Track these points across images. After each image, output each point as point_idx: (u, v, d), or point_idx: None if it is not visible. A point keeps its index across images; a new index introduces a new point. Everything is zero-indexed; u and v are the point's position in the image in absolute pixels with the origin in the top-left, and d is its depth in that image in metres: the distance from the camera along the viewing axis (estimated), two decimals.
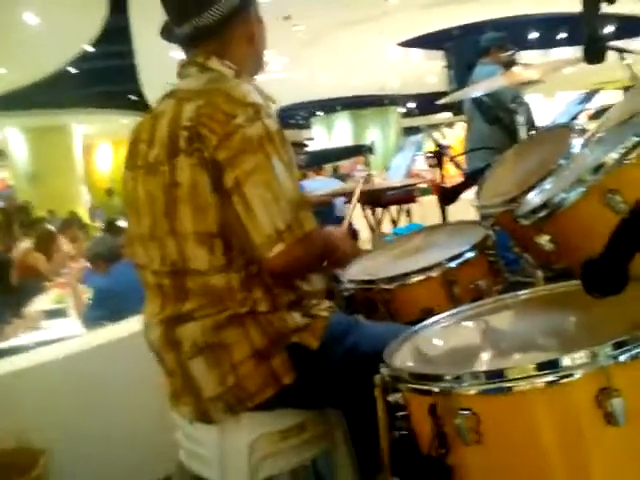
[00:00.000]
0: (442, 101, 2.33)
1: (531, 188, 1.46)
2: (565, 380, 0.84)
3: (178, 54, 1.45)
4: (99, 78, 12.46)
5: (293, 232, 1.21)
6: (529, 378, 0.85)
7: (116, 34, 9.76)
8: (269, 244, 1.20)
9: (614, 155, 1.18)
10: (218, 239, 1.25)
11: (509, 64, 2.53)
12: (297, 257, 1.23)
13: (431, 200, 5.68)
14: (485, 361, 1.08)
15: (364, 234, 4.18)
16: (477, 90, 2.67)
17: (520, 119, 2.08)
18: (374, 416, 1.11)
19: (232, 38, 1.40)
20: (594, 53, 1.36)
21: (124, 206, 1.47)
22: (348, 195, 3.70)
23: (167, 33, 1.44)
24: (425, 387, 0.93)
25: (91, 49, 10.88)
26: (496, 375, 0.87)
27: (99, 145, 17.54)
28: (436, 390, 0.91)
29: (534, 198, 1.39)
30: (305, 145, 4.08)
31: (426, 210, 4.96)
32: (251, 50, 1.44)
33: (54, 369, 2.17)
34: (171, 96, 1.36)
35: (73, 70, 11.82)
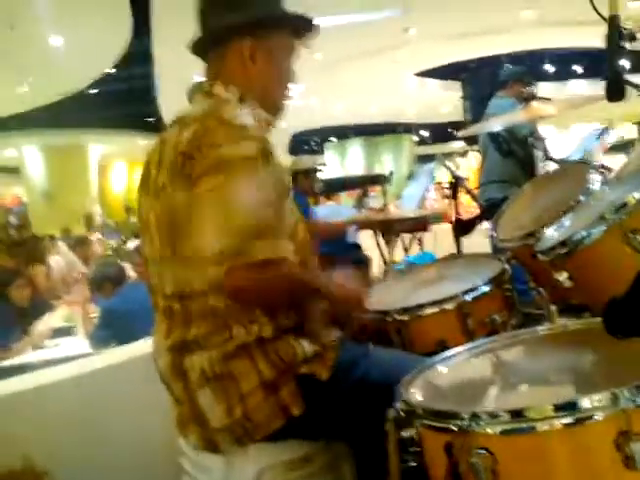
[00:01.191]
0: (460, 134, 2.33)
1: (550, 223, 1.46)
2: (584, 422, 0.82)
3: (195, 77, 1.47)
4: (118, 100, 12.70)
5: (235, 257, 1.18)
6: (548, 419, 0.83)
7: (137, 57, 9.96)
8: (206, 267, 1.20)
9: (637, 195, 1.18)
10: (218, 262, 1.22)
11: (529, 98, 2.54)
12: (236, 283, 1.20)
13: (443, 228, 5.68)
14: (499, 397, 1.06)
15: (376, 261, 4.17)
16: (495, 124, 2.68)
17: (538, 153, 2.08)
18: (382, 449, 1.09)
19: (226, 56, 1.40)
20: (616, 90, 1.36)
21: (139, 228, 1.48)
22: (360, 223, 3.71)
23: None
24: (442, 425, 0.91)
25: (111, 71, 11.10)
26: (515, 415, 0.85)
27: (114, 165, 17.74)
28: (454, 428, 0.89)
29: (553, 234, 1.38)
30: (319, 171, 4.08)
31: (438, 238, 4.96)
32: (254, 72, 1.40)
33: (60, 390, 2.16)
34: (177, 122, 1.37)
35: (92, 91, 12.04)
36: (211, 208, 1.20)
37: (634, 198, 1.15)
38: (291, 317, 1.29)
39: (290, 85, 1.51)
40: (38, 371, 2.46)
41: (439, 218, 6.63)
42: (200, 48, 1.43)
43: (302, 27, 1.47)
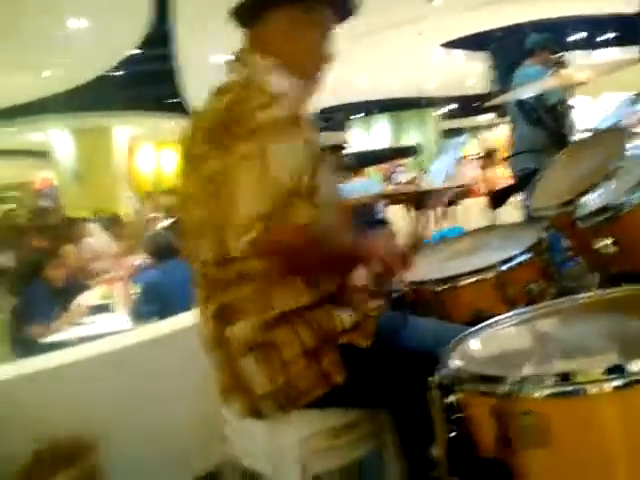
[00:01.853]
0: (488, 104, 2.30)
1: (588, 190, 1.44)
2: (634, 385, 0.83)
3: (217, 58, 1.47)
4: (141, 81, 12.72)
5: (269, 221, 1.17)
6: (597, 382, 0.84)
7: (159, 38, 9.96)
8: (240, 232, 1.18)
9: None
10: (260, 227, 1.21)
11: (559, 65, 2.48)
12: (268, 249, 1.19)
13: (472, 202, 5.62)
14: (542, 363, 1.06)
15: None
16: (525, 92, 2.63)
17: (569, 121, 2.04)
18: (424, 415, 1.11)
19: (270, 28, 1.41)
20: None
21: (178, 201, 1.50)
22: (388, 197, 3.70)
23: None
24: (490, 389, 0.92)
25: (134, 52, 11.12)
26: (564, 378, 0.86)
27: (141, 147, 17.87)
28: (500, 392, 0.90)
29: (592, 201, 1.37)
30: (344, 147, 4.07)
31: (467, 212, 4.92)
32: (293, 45, 1.42)
33: (106, 362, 2.22)
34: (214, 93, 1.38)
35: (117, 73, 12.10)
36: (248, 173, 1.20)
37: None
38: (331, 286, 1.30)
39: (326, 65, 1.50)
40: (80, 345, 2.53)
41: (468, 193, 6.56)
42: (241, 14, 1.43)
43: (344, 6, 1.47)
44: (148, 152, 17.86)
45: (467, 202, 5.16)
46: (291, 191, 1.19)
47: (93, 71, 11.22)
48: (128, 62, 11.47)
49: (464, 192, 4.63)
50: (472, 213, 4.89)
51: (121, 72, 12.17)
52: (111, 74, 11.97)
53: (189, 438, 2.23)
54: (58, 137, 14.79)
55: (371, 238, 1.37)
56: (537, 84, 2.60)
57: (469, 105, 17.01)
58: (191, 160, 1.37)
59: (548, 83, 2.42)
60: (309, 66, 1.47)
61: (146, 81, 12.51)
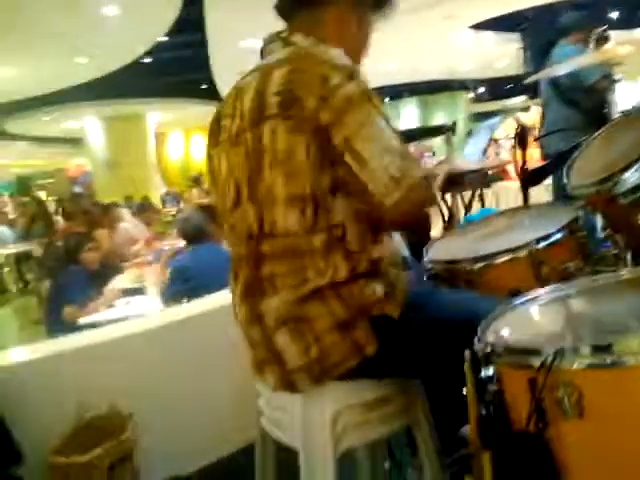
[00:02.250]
0: (527, 80, 2.25)
1: (626, 168, 1.41)
2: None
3: (248, 44, 1.47)
4: (172, 68, 12.82)
5: (406, 179, 1.23)
6: (636, 354, 0.83)
7: (189, 25, 10.00)
8: (388, 193, 1.22)
9: None
10: (310, 202, 1.26)
11: (601, 40, 2.41)
12: (413, 203, 1.27)
13: (504, 186, 5.54)
14: (580, 337, 1.05)
15: (435, 221, 4.12)
16: (563, 69, 2.57)
17: (609, 101, 1.99)
18: (457, 389, 1.11)
19: (322, 18, 1.41)
20: None
21: (210, 185, 1.51)
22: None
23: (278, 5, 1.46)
24: (525, 362, 0.92)
25: (164, 39, 11.19)
26: (602, 349, 0.85)
27: (171, 133, 18.05)
28: (536, 364, 0.89)
29: (632, 177, 1.34)
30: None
31: (500, 196, 4.86)
32: (339, 36, 1.42)
33: (140, 341, 2.28)
34: (255, 70, 1.37)
35: (148, 60, 12.20)
36: (367, 143, 1.22)
37: None
38: (367, 262, 1.31)
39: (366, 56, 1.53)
40: (114, 325, 2.59)
41: (500, 177, 6.42)
42: (288, 6, 1.43)
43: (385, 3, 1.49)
44: (178, 138, 18.04)
45: (499, 185, 5.08)
46: (404, 149, 1.27)
47: (125, 58, 11.32)
48: (158, 48, 11.55)
49: (496, 175, 4.55)
50: (505, 196, 4.83)
51: (152, 59, 12.27)
52: (142, 61, 12.08)
53: (222, 414, 2.27)
54: (91, 124, 15.02)
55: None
56: (576, 61, 2.54)
57: (501, 87, 16.72)
58: (228, 137, 1.37)
59: (589, 59, 2.36)
60: (357, 54, 1.48)
61: (177, 67, 12.61)
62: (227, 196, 1.38)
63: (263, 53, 1.44)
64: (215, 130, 1.44)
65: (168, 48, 11.97)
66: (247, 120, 1.31)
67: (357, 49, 1.48)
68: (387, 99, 19.67)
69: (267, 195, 1.28)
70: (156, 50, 11.53)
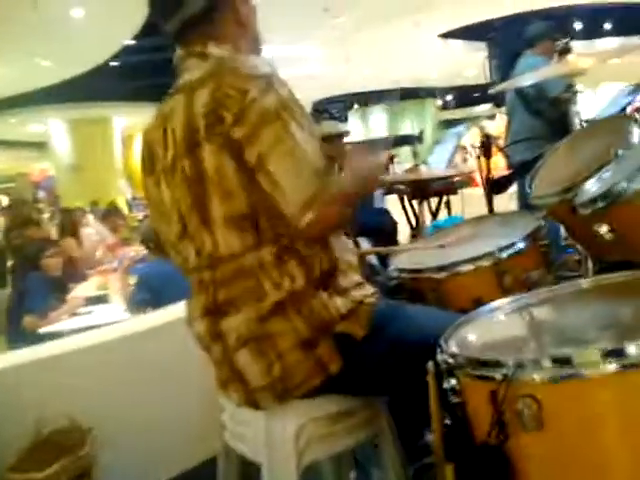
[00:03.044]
0: (491, 91, 2.28)
1: (588, 178, 1.43)
2: (633, 369, 0.82)
3: (214, 49, 1.43)
4: (139, 71, 12.68)
5: (321, 198, 1.19)
6: (595, 365, 0.83)
7: (157, 28, 9.91)
8: (299, 215, 1.19)
9: None
10: (249, 220, 1.24)
11: (564, 52, 2.46)
12: (328, 221, 1.23)
13: (471, 193, 5.60)
14: (540, 348, 1.05)
15: (402, 227, 4.15)
16: (527, 80, 2.61)
17: (572, 113, 2.03)
18: (421, 404, 1.10)
19: (221, 21, 1.37)
20: None
21: (152, 214, 1.46)
22: (387, 187, 3.68)
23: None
24: (487, 373, 0.91)
25: (132, 43, 11.06)
26: (562, 361, 0.85)
27: (137, 137, 17.82)
28: (497, 376, 0.89)
29: (593, 187, 1.36)
30: (344, 136, 4.03)
31: (466, 203, 4.90)
32: (243, 31, 1.41)
33: (102, 352, 2.22)
34: (178, 92, 1.33)
35: (115, 63, 12.05)
36: (280, 162, 1.19)
37: None
38: (322, 265, 1.29)
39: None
40: (76, 335, 2.53)
41: (467, 183, 6.49)
42: (188, 26, 1.37)
43: None
44: None
45: (466, 192, 5.14)
46: (322, 163, 1.23)
47: (90, 61, 11.17)
48: (125, 52, 11.41)
49: (463, 182, 4.61)
50: (471, 203, 4.88)
51: (119, 62, 12.11)
52: (109, 64, 11.92)
53: (185, 427, 2.23)
54: (56, 128, 14.74)
55: (349, 161, 1.38)
56: (540, 72, 2.58)
57: (468, 96, 17.00)
58: (164, 167, 1.33)
59: (552, 71, 2.40)
60: (256, 42, 1.47)
61: (144, 71, 12.47)
62: (171, 227, 1.34)
63: (179, 72, 1.39)
64: (147, 159, 1.39)
65: (135, 51, 11.83)
66: (181, 147, 1.28)
67: (254, 40, 1.46)
68: (356, 106, 19.81)
69: (212, 219, 1.25)
70: (123, 53, 11.40)
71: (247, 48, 1.41)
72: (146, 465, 2.15)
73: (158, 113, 1.38)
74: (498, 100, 5.11)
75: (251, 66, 1.27)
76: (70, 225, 6.14)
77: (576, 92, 2.02)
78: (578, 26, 12.44)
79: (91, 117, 14.14)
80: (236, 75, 1.25)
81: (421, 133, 2.79)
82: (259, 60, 1.31)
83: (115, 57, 11.42)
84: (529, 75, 2.70)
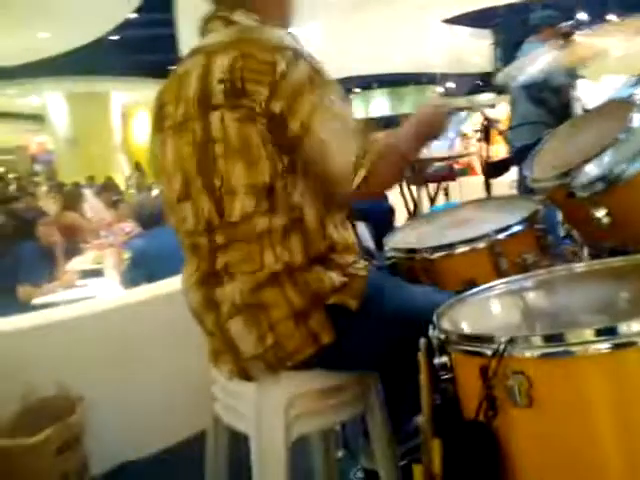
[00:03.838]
0: (496, 78, 2.24)
1: (587, 161, 1.42)
2: (625, 348, 0.82)
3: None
4: (140, 47, 12.56)
5: (370, 155, 1.23)
6: (587, 344, 0.83)
7: (158, 3, 9.79)
8: (349, 174, 1.22)
9: None
10: (269, 188, 1.24)
11: (568, 35, 2.43)
12: (380, 176, 1.26)
13: (469, 181, 5.59)
14: (535, 327, 1.05)
15: (401, 214, 4.14)
16: (535, 68, 2.58)
17: (574, 102, 2.01)
18: (412, 379, 1.10)
19: None
20: None
21: (154, 173, 1.45)
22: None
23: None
24: (478, 349, 0.91)
25: (133, 16, 10.94)
26: (554, 339, 0.85)
27: (137, 114, 17.70)
28: (489, 352, 0.89)
29: (591, 170, 1.35)
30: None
31: (464, 190, 4.90)
32: (278, 4, 1.42)
33: (93, 322, 2.22)
34: (196, 53, 1.32)
35: (114, 37, 11.92)
36: (325, 126, 1.21)
37: None
38: (323, 245, 1.29)
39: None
40: (71, 305, 2.52)
41: (465, 171, 6.49)
42: None
43: None
44: (143, 118, 17.69)
45: (464, 179, 5.13)
46: (360, 125, 1.27)
47: (91, 34, 11.04)
48: (126, 26, 11.28)
49: (462, 169, 4.60)
50: (469, 190, 4.86)
51: (119, 36, 11.98)
52: (109, 38, 11.79)
53: (176, 399, 2.24)
54: (54, 101, 14.62)
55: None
56: (550, 58, 2.55)
57: (470, 83, 16.89)
58: (173, 124, 1.32)
59: (561, 57, 2.38)
60: (289, 17, 1.46)
61: (144, 46, 12.35)
62: (173, 186, 1.33)
63: (202, 32, 1.39)
64: (158, 116, 1.38)
65: (136, 26, 11.72)
66: (193, 108, 1.27)
67: (284, 13, 1.45)
68: (358, 89, 19.70)
69: (224, 185, 1.25)
70: (124, 28, 11.26)
71: (276, 21, 1.39)
72: (137, 436, 2.16)
73: (173, 72, 1.37)
74: (501, 88, 5.08)
75: (277, 37, 1.26)
76: (73, 199, 6.11)
77: (576, 76, 2.00)
78: (583, 16, 12.34)
79: (90, 91, 14.03)
80: (261, 46, 1.24)
81: None
82: (283, 32, 1.30)
83: (116, 31, 11.28)
84: (535, 64, 2.68)
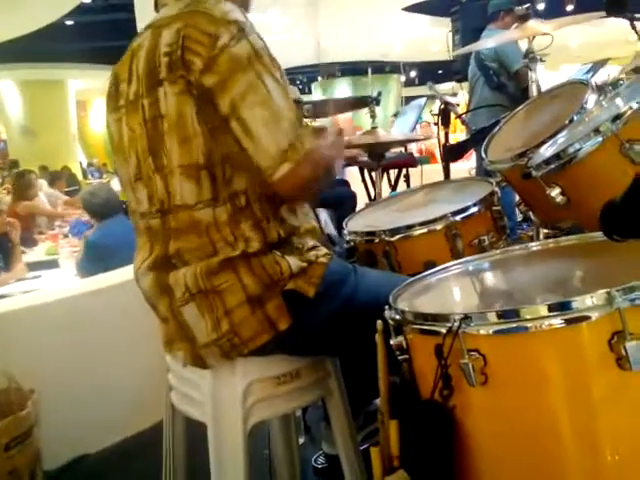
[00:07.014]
0: (455, 53, 2.25)
1: (543, 143, 1.43)
2: (579, 323, 0.82)
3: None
4: (96, 32, 12.19)
5: (297, 150, 1.16)
6: (541, 319, 0.83)
7: None
8: (275, 165, 1.16)
9: (634, 105, 1.15)
10: (205, 171, 1.19)
11: (524, 18, 2.46)
12: (304, 175, 1.18)
13: (430, 168, 5.63)
14: (488, 305, 1.05)
15: (362, 201, 4.14)
16: (489, 43, 2.60)
17: (533, 75, 2.03)
18: (370, 363, 1.09)
19: None
20: (616, 3, 1.31)
21: (112, 153, 1.40)
22: (347, 159, 3.65)
23: None
24: (433, 327, 0.90)
25: (89, 1, 10.62)
26: (508, 315, 0.84)
27: (94, 101, 17.26)
28: (443, 330, 0.88)
29: (546, 151, 1.35)
30: (300, 102, 3.97)
31: (425, 177, 4.92)
32: None
33: (45, 312, 2.15)
34: (148, 28, 1.29)
35: (70, 22, 11.55)
36: (254, 110, 1.15)
37: (630, 108, 1.11)
38: (280, 232, 1.26)
39: None
40: (23, 295, 2.45)
41: (426, 159, 6.51)
42: None
43: None
44: (101, 106, 17.27)
45: (426, 167, 5.16)
46: (297, 116, 1.18)
47: (44, 19, 10.66)
48: (82, 11, 10.94)
49: (423, 158, 4.63)
50: (430, 177, 4.89)
51: (74, 21, 11.61)
52: (64, 23, 11.41)
53: (132, 390, 2.19)
54: (7, 88, 14.15)
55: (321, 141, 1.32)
56: (504, 35, 2.57)
57: (431, 72, 16.99)
58: (126, 103, 1.28)
59: (514, 34, 2.40)
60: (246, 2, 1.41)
61: (102, 32, 11.98)
62: (129, 166, 1.29)
63: (156, 7, 1.35)
64: (113, 94, 1.34)
65: (93, 11, 11.36)
66: (143, 84, 1.23)
67: None
68: (320, 78, 19.64)
69: (168, 166, 1.21)
70: (80, 12, 10.90)
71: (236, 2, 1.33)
72: (92, 429, 2.10)
73: (128, 49, 1.33)
74: (460, 77, 5.13)
75: (224, 11, 1.21)
76: (25, 188, 5.92)
77: (535, 58, 2.01)
78: (540, 6, 12.50)
79: (44, 79, 13.61)
80: (206, 18, 1.19)
81: (379, 94, 2.71)
82: (234, 7, 1.24)
83: (71, 15, 10.90)
84: (493, 38, 2.70)
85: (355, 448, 1.46)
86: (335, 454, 1.49)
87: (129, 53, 1.31)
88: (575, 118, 1.42)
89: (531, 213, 1.68)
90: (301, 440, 1.96)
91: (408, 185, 4.40)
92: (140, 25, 10.71)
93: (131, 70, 1.27)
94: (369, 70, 14.94)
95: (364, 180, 4.08)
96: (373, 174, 4.13)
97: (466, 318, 0.85)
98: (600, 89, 1.49)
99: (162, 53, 1.19)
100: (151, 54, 1.22)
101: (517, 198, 2.53)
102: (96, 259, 3.12)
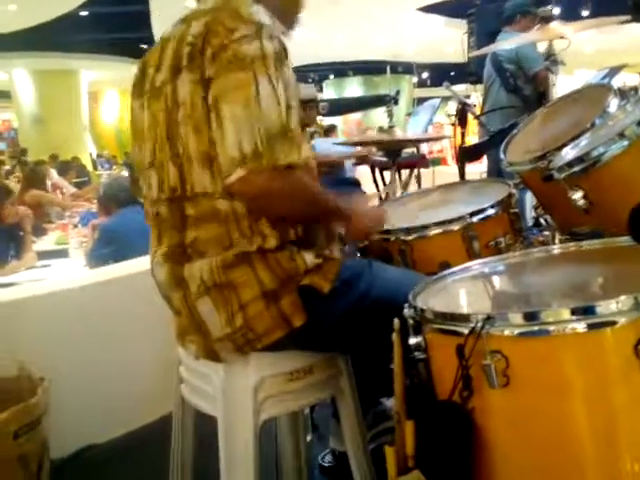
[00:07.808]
0: (472, 54, 2.24)
1: (564, 146, 1.41)
2: (603, 328, 0.81)
3: (193, 3, 1.39)
4: (111, 24, 12.20)
5: (260, 159, 1.14)
6: (565, 322, 0.81)
7: None
8: (231, 168, 1.14)
9: None
10: (217, 161, 1.18)
11: (546, 19, 2.44)
12: (261, 186, 1.16)
13: (442, 170, 5.62)
14: (511, 306, 1.04)
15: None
16: (508, 44, 2.58)
17: (554, 78, 2.01)
18: (381, 361, 1.08)
19: None
20: None
21: (132, 137, 1.41)
22: (359, 158, 3.65)
23: None
24: (454, 328, 0.89)
25: None
26: (531, 317, 0.83)
27: (106, 92, 17.30)
28: (465, 331, 0.87)
29: (568, 153, 1.34)
30: (316, 101, 3.96)
31: (437, 178, 4.91)
32: None
33: (58, 301, 2.15)
34: (183, 20, 1.31)
35: (84, 13, 11.57)
36: (232, 106, 1.14)
37: None
38: (298, 231, 1.25)
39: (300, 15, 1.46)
40: (34, 284, 2.45)
41: (437, 161, 6.51)
42: None
43: None
44: (113, 99, 17.33)
45: (437, 169, 5.15)
46: (282, 127, 1.16)
47: (59, 9, 10.69)
48: (97, 2, 10.95)
49: (434, 160, 4.60)
50: (441, 179, 4.88)
51: (89, 12, 11.62)
52: (79, 14, 11.43)
53: (142, 381, 2.19)
54: (20, 77, 14.20)
55: (351, 200, 1.38)
56: (525, 36, 2.55)
57: (445, 73, 16.93)
58: (151, 88, 1.29)
59: (535, 36, 2.38)
60: (289, 12, 1.42)
61: (116, 24, 12.00)
62: (144, 151, 1.30)
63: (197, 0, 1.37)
64: (139, 80, 1.35)
65: (107, 2, 11.38)
66: (168, 72, 1.24)
67: (290, 10, 1.42)
68: (331, 76, 19.61)
69: (184, 153, 1.21)
70: (94, 3, 10.92)
71: (274, 4, 1.34)
72: (101, 419, 2.11)
73: (160, 38, 1.34)
74: (474, 79, 5.10)
75: (251, 11, 1.23)
76: (36, 178, 5.94)
77: (556, 61, 1.99)
78: (556, 11, 12.44)
79: (57, 68, 13.65)
80: (233, 14, 1.21)
81: (397, 93, 2.69)
82: (263, 11, 1.26)
83: (85, 6, 10.92)
84: (508, 42, 2.68)
85: (364, 447, 1.46)
86: (343, 451, 1.49)
87: (160, 42, 1.32)
88: (597, 122, 1.40)
89: (548, 217, 1.67)
90: (308, 438, 1.96)
91: (419, 186, 4.39)
92: (155, 17, 10.75)
93: (161, 59, 1.28)
94: (387, 69, 14.86)
95: (375, 180, 4.07)
96: (384, 174, 4.13)
97: (489, 319, 0.85)
98: (622, 93, 1.47)
99: (187, 43, 1.21)
100: (178, 44, 1.23)
101: (528, 204, 2.51)
102: (109, 246, 3.12)
